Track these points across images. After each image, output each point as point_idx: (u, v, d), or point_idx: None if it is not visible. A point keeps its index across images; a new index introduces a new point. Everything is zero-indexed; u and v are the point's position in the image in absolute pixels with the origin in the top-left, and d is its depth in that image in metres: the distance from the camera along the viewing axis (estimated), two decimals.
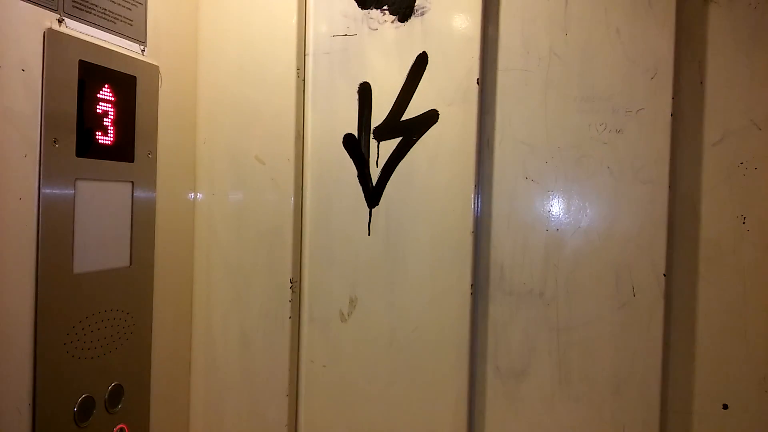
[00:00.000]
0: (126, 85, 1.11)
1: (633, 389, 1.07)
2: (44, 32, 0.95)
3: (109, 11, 1.08)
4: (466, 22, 1.14)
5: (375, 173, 1.22)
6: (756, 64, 1.04)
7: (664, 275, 1.05)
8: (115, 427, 1.11)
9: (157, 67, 1.19)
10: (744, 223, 1.05)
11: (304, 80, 1.27)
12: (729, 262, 1.06)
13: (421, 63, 1.17)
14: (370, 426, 1.23)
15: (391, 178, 1.20)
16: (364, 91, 1.22)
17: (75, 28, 1.01)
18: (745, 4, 1.05)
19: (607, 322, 1.09)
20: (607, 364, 1.09)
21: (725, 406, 1.06)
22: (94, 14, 1.05)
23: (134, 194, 1.14)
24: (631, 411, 1.08)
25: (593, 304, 1.10)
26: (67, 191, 1.00)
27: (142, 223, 1.16)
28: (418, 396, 1.19)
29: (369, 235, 1.22)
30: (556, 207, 1.12)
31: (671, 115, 1.05)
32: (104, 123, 1.06)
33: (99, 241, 1.07)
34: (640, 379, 1.07)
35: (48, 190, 0.96)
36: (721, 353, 1.06)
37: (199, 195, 1.35)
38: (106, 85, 1.06)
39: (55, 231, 0.97)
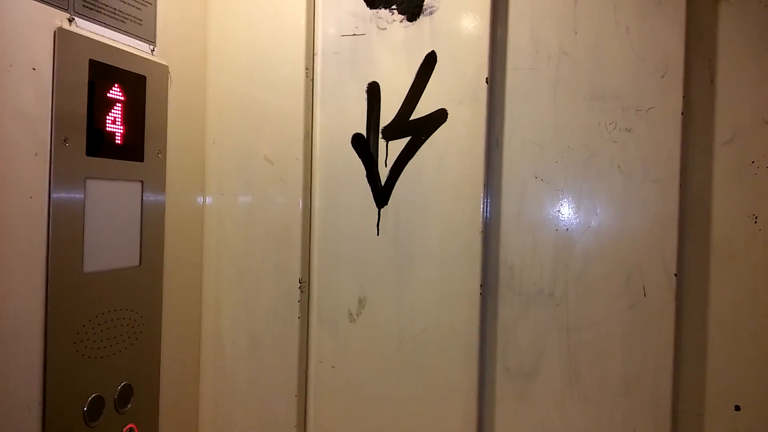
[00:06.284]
0: (136, 84, 1.11)
1: (644, 390, 1.07)
2: (54, 31, 0.95)
3: (119, 11, 1.08)
4: (474, 21, 1.14)
5: (384, 173, 1.21)
6: (767, 63, 1.04)
7: (675, 275, 1.05)
8: (124, 427, 1.11)
9: (166, 66, 1.19)
10: (756, 222, 1.04)
11: (312, 80, 1.27)
12: (740, 262, 1.05)
13: (429, 62, 1.17)
14: (379, 427, 1.22)
15: (399, 178, 1.20)
16: (373, 91, 1.22)
17: (85, 28, 1.01)
18: (756, 2, 1.04)
19: (618, 323, 1.08)
20: (617, 364, 1.08)
21: (737, 408, 1.06)
22: (104, 14, 1.05)
23: (144, 193, 1.14)
24: (642, 412, 1.07)
25: (603, 304, 1.09)
26: (77, 190, 1.00)
27: (151, 223, 1.16)
28: (428, 396, 1.18)
29: (378, 235, 1.22)
30: (566, 206, 1.12)
31: (682, 113, 1.05)
32: (114, 122, 1.06)
33: (109, 240, 1.07)
34: (651, 379, 1.06)
35: (58, 189, 0.96)
36: (732, 353, 1.06)
37: (208, 195, 1.35)
38: (116, 85, 1.07)
39: (65, 229, 0.98)
